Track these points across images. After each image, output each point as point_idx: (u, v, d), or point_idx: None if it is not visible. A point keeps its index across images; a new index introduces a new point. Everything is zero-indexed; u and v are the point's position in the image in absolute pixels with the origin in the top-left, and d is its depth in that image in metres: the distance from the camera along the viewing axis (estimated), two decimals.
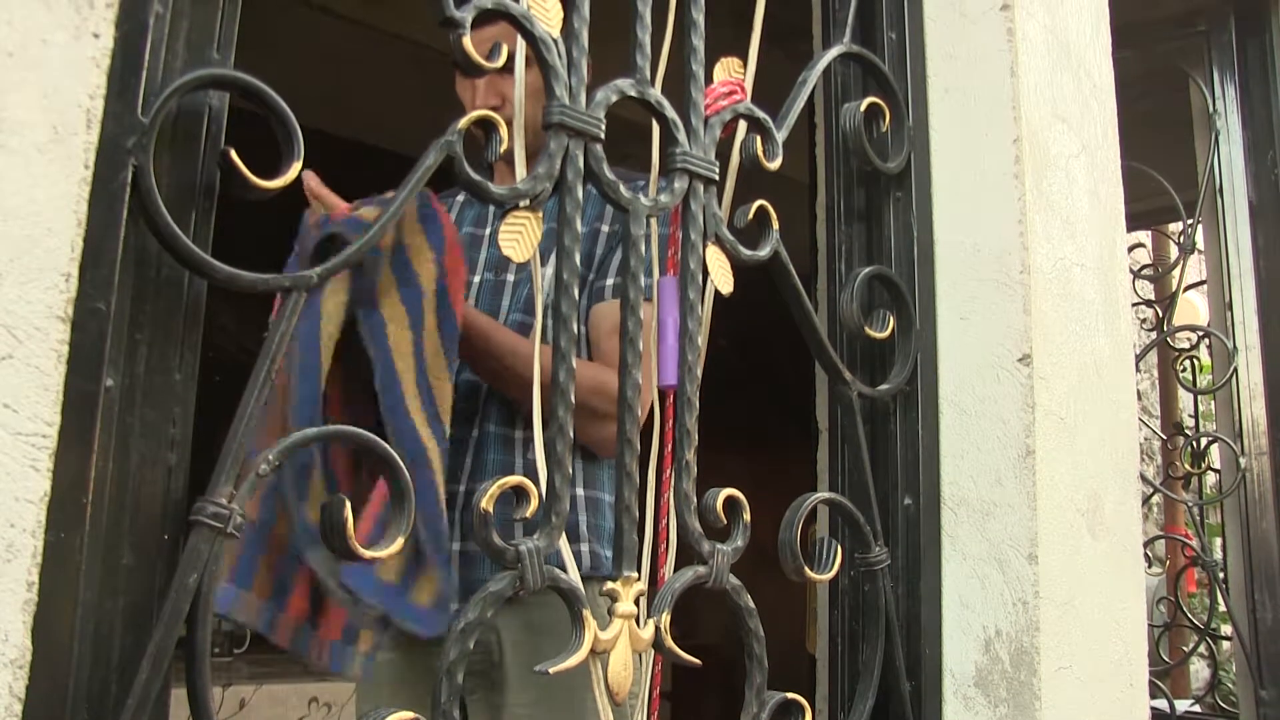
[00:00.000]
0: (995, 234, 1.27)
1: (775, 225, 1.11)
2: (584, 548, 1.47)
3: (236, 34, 0.82)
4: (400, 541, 0.81)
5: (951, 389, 1.28)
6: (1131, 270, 2.63)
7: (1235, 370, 2.36)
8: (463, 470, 1.50)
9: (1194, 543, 2.65)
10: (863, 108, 1.25)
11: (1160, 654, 2.69)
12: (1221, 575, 2.44)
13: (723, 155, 1.11)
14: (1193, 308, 3.12)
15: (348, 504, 0.78)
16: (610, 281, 1.52)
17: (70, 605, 0.69)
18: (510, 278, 1.56)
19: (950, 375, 1.28)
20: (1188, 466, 2.62)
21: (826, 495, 1.16)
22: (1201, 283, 2.75)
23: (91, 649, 0.71)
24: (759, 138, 1.12)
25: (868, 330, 1.22)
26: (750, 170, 1.12)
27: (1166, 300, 2.76)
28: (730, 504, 1.01)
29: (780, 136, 1.14)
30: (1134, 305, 2.38)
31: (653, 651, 1.01)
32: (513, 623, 1.43)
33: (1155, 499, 3.56)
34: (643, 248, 1.02)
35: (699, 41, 1.08)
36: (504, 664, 1.44)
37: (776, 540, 1.07)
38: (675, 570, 1.02)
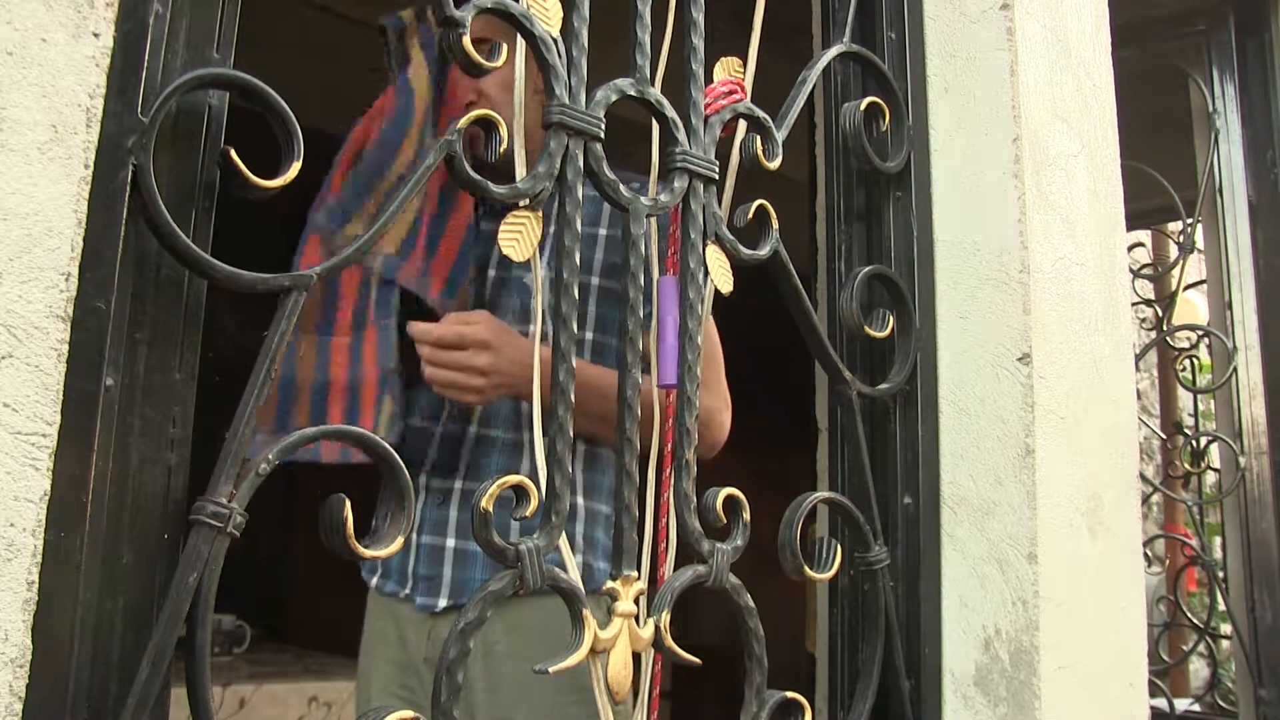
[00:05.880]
0: (995, 233, 1.27)
1: (775, 225, 1.11)
2: (577, 559, 1.46)
3: (236, 34, 0.82)
4: (400, 541, 0.81)
5: (951, 388, 1.28)
6: (1131, 270, 2.64)
7: (1235, 370, 2.36)
8: (458, 467, 1.49)
9: (1194, 542, 2.66)
10: (862, 107, 1.25)
11: (1160, 653, 2.69)
12: (1221, 575, 2.44)
13: (723, 155, 1.11)
14: (1192, 307, 3.12)
15: (347, 503, 0.78)
16: None
17: (70, 604, 0.69)
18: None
19: (950, 374, 1.28)
20: (1187, 466, 2.62)
21: (826, 494, 1.16)
22: (1201, 282, 2.75)
23: (91, 648, 0.71)
24: (759, 137, 1.12)
25: (867, 330, 1.22)
26: (750, 170, 1.12)
27: (1166, 300, 2.76)
28: (730, 503, 1.01)
29: (780, 136, 1.14)
30: (1134, 305, 2.38)
31: (653, 651, 1.01)
32: (491, 623, 1.42)
33: (1155, 498, 3.56)
34: (642, 247, 1.02)
35: (699, 41, 1.08)
36: (475, 662, 1.43)
37: (776, 539, 1.07)
38: (675, 569, 1.02)
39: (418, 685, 1.48)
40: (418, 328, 1.38)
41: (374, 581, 1.56)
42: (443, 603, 1.45)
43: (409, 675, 1.50)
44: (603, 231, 1.53)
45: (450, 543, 1.47)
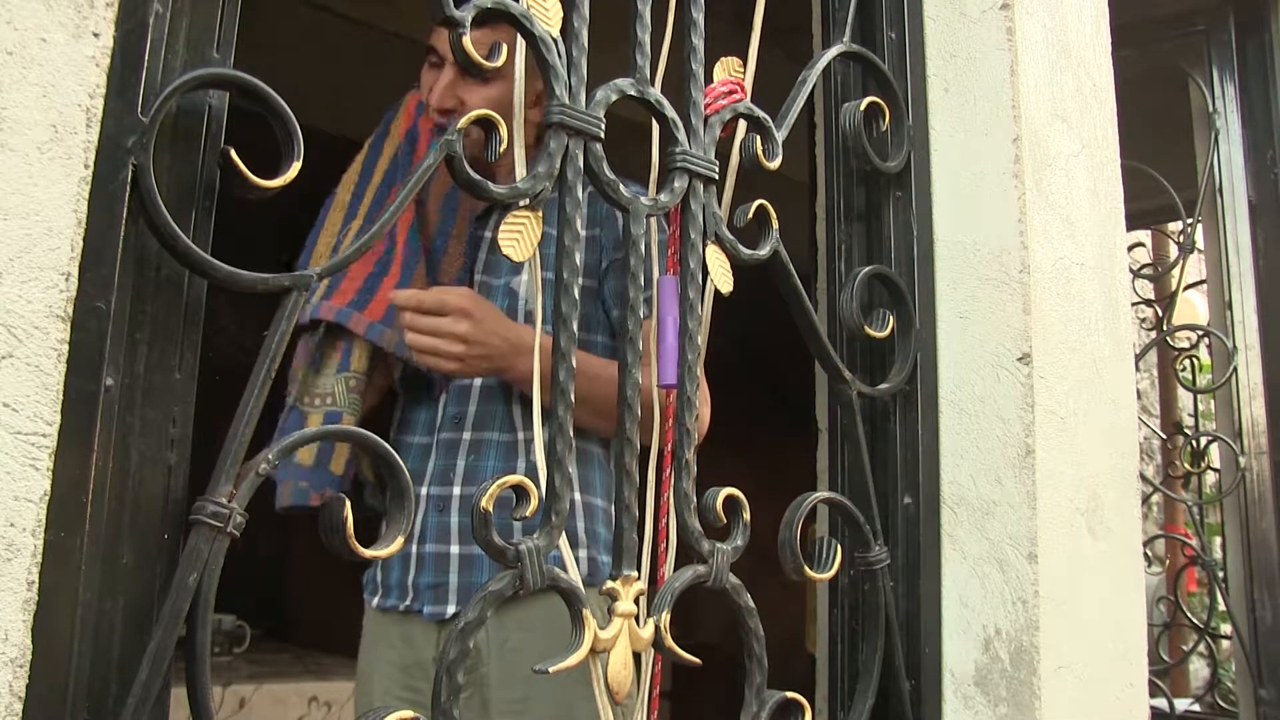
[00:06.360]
0: (995, 233, 1.27)
1: (775, 225, 1.11)
2: (581, 554, 1.47)
3: (236, 33, 0.82)
4: (400, 541, 0.81)
5: (951, 388, 1.28)
6: (1131, 270, 2.64)
7: (1235, 370, 2.36)
8: (455, 474, 1.50)
9: (1194, 542, 2.66)
10: (862, 107, 1.25)
11: (1160, 653, 2.69)
12: (1221, 575, 2.44)
13: (723, 155, 1.11)
14: (1192, 307, 3.12)
15: (348, 503, 0.78)
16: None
17: (70, 604, 0.69)
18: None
19: (950, 374, 1.28)
20: (1187, 466, 2.62)
21: (826, 494, 1.16)
22: (1201, 282, 2.75)
23: (91, 648, 0.71)
24: (759, 137, 1.12)
25: (867, 330, 1.22)
26: (750, 170, 1.12)
27: (1166, 300, 2.76)
28: (730, 503, 1.01)
29: (780, 136, 1.14)
30: (1134, 305, 2.38)
31: (653, 651, 1.01)
32: (498, 620, 1.43)
33: (1155, 498, 3.57)
34: (643, 247, 1.02)
35: (699, 41, 1.08)
36: (489, 661, 1.44)
37: (776, 539, 1.07)
38: (675, 569, 1.02)
39: (425, 686, 1.47)
40: (400, 294, 1.40)
41: (375, 601, 1.56)
42: (451, 609, 1.45)
43: (414, 676, 1.50)
44: (582, 233, 1.54)
45: (454, 549, 1.48)
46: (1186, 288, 2.77)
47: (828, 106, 1.36)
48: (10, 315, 0.65)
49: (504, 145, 0.93)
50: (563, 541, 0.95)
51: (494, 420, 1.50)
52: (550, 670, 0.89)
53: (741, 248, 1.08)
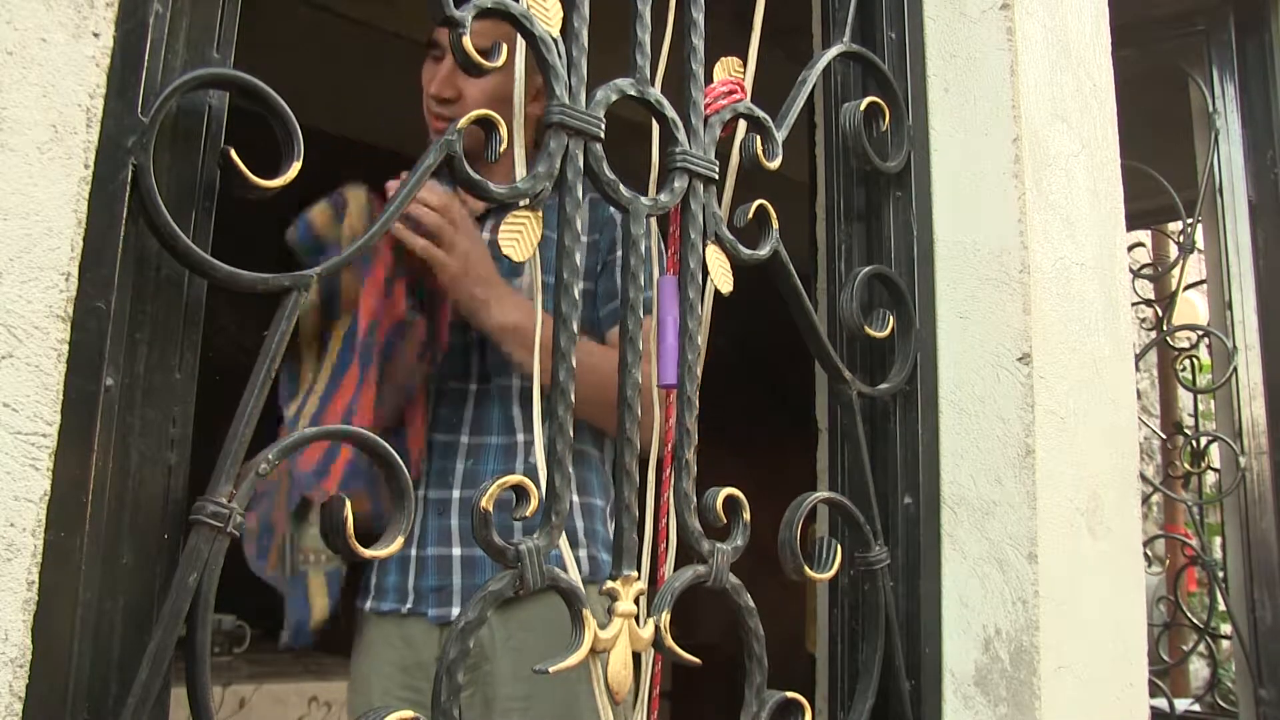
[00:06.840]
0: (995, 233, 1.27)
1: (775, 225, 1.11)
2: (582, 553, 1.47)
3: (236, 33, 0.82)
4: (400, 541, 0.81)
5: (951, 388, 1.28)
6: (1131, 270, 2.64)
7: (1235, 370, 2.36)
8: (454, 476, 1.50)
9: (1194, 542, 2.66)
10: (862, 107, 1.25)
11: (1160, 653, 2.69)
12: (1221, 575, 2.44)
13: (723, 155, 1.11)
14: (1192, 307, 3.12)
15: (348, 503, 0.78)
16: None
17: (70, 604, 0.69)
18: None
19: (950, 374, 1.28)
20: (1187, 466, 2.62)
21: (826, 494, 1.16)
22: (1201, 282, 2.75)
23: (91, 648, 0.71)
24: (759, 137, 1.12)
25: (867, 330, 1.22)
26: (750, 170, 1.12)
27: (1166, 300, 2.76)
28: (730, 503, 1.01)
29: (780, 136, 1.14)
30: (1134, 305, 2.38)
31: (653, 651, 1.01)
32: (504, 618, 1.44)
33: (1155, 498, 3.56)
34: (643, 247, 1.02)
35: (699, 41, 1.08)
36: (495, 659, 1.44)
37: (776, 539, 1.07)
38: (675, 569, 1.02)
39: (425, 685, 1.47)
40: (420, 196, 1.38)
41: (368, 604, 1.55)
42: (457, 612, 1.45)
43: (414, 676, 1.49)
44: (583, 237, 1.54)
45: (457, 551, 1.48)
46: (1186, 288, 2.77)
47: (828, 106, 1.36)
48: (10, 315, 0.65)
49: (504, 145, 0.93)
50: (563, 541, 0.95)
51: (492, 424, 1.50)
52: (550, 670, 0.89)
53: (741, 248, 1.08)
